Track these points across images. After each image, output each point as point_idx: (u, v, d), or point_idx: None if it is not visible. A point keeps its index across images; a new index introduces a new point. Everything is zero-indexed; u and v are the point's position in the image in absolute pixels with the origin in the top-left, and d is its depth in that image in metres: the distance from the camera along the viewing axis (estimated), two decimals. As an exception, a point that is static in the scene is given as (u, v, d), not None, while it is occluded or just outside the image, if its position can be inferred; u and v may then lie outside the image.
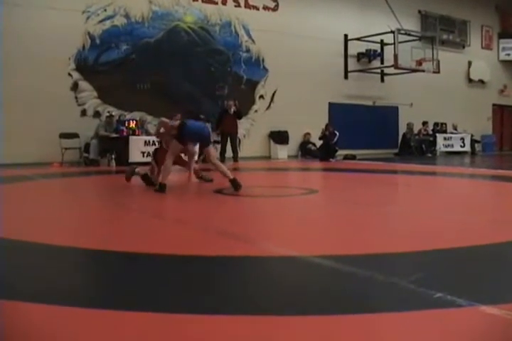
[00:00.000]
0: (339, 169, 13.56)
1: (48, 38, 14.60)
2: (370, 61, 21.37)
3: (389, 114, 21.88)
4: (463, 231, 4.81)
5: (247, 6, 18.46)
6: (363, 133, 20.51)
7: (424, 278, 3.11)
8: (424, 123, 21.56)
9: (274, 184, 10.19)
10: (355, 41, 20.61)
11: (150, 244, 4.19)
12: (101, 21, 15.76)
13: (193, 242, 4.29)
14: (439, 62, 20.29)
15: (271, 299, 2.84)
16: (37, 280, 3.24)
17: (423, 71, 20.11)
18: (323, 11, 19.93)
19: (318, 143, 18.01)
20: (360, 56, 21.23)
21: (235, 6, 18.19)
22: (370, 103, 21.41)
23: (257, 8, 18.66)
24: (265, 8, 18.84)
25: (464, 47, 25.04)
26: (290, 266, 3.60)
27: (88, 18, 15.56)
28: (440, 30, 23.43)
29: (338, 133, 17.05)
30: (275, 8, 19.02)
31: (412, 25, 22.22)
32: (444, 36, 23.69)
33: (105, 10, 15.81)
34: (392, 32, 19.22)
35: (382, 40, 21.00)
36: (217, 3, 17.81)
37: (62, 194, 6.82)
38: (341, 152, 17.76)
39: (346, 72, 20.84)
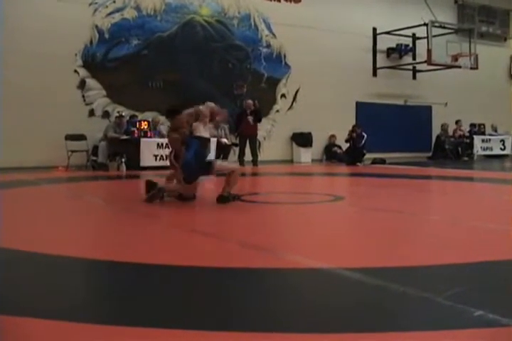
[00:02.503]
0: (367, 174, 13.52)
1: (52, 32, 14.69)
2: (400, 57, 21.30)
3: (421, 114, 21.78)
4: (504, 242, 4.76)
5: (268, -3, 18.49)
6: (393, 135, 20.42)
7: (461, 293, 3.08)
8: (457, 122, 21.29)
9: (297, 190, 10.17)
10: (384, 35, 20.54)
11: (168, 255, 4.20)
12: (110, 14, 15.85)
13: (213, 253, 4.31)
14: (477, 56, 20.14)
15: (293, 315, 2.83)
16: (50, 293, 3.26)
17: (459, 67, 19.97)
18: (350, 2, 19.89)
19: (345, 146, 17.98)
20: (390, 51, 21.18)
21: (255, -3, 18.22)
22: (401, 102, 21.34)
23: (279, 0, 18.66)
24: (287, 0, 18.85)
25: (505, 39, 24.84)
26: (315, 278, 3.59)
27: (96, 10, 15.66)
28: (479, 21, 23.27)
29: (366, 136, 17.01)
30: (298, 0, 19.01)
31: (448, 16, 22.09)
32: (483, 28, 23.47)
33: (114, 1, 15.90)
34: (426, 24, 19.10)
35: (414, 34, 20.92)
36: (235, -5, 17.86)
37: (68, 201, 6.85)
38: (369, 156, 17.67)
39: (375, 68, 20.78)
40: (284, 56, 18.63)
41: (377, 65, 20.79)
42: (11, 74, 14.09)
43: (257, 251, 4.32)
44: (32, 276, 3.66)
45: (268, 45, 18.40)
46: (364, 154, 17.18)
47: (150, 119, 15.28)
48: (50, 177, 11.42)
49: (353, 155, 17.02)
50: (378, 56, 20.87)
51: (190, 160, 7.01)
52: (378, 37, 20.67)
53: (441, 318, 2.72)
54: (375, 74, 20.76)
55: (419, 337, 2.50)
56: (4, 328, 2.66)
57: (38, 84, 14.45)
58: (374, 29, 20.60)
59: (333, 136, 19.13)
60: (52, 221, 5.87)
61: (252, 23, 18.16)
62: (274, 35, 18.47)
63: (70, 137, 14.31)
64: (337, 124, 18.86)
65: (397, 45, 21.11)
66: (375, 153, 18.25)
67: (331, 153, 19.03)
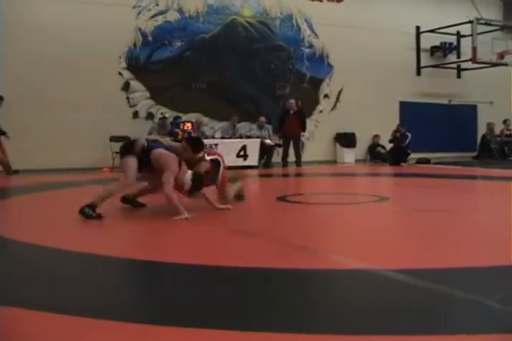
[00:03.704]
0: (412, 174, 13.41)
1: (96, 35, 14.92)
2: (445, 55, 21.07)
3: (466, 114, 21.51)
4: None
5: (310, -3, 18.45)
6: (437, 134, 20.21)
7: (511, 296, 3.04)
8: (505, 121, 20.98)
9: (342, 190, 10.14)
10: (428, 33, 20.33)
11: (213, 256, 4.24)
12: (153, 17, 16.00)
13: (256, 254, 4.34)
14: (523, 54, 19.83)
15: (337, 316, 2.84)
16: (102, 293, 3.33)
17: (506, 65, 19.66)
18: (393, 1, 19.73)
19: (389, 145, 17.85)
20: (433, 50, 20.95)
21: (297, -2, 18.21)
22: (445, 101, 21.09)
23: (321, 0, 18.62)
24: (329, -1, 18.81)
25: (551, 37, 24.42)
26: (360, 280, 3.59)
27: (139, 13, 15.82)
28: (525, 18, 22.89)
29: (410, 135, 16.88)
30: (340, 0, 18.94)
31: (493, 13, 21.71)
32: (530, 25, 23.08)
33: (157, 4, 16.05)
34: (471, 22, 18.84)
35: (458, 32, 20.66)
36: (277, -5, 17.87)
37: (115, 201, 6.94)
38: (414, 155, 17.52)
39: (419, 67, 20.59)
40: (327, 56, 18.57)
41: (421, 64, 20.58)
42: (58, 76, 14.35)
43: (302, 252, 4.34)
44: (78, 275, 3.73)
45: (310, 45, 18.36)
46: (408, 154, 17.04)
47: (193, 120, 15.39)
48: (95, 178, 11.54)
49: (397, 155, 16.89)
50: (422, 55, 20.67)
51: None
52: (422, 35, 20.46)
53: (492, 321, 2.70)
54: (418, 73, 20.57)
55: (471, 340, 2.48)
56: (51, 325, 2.71)
57: (84, 86, 14.67)
58: (417, 28, 20.39)
59: (376, 136, 19.01)
60: (97, 221, 5.94)
61: (294, 24, 18.15)
62: (316, 35, 18.43)
63: (114, 139, 14.46)
64: (380, 124, 18.73)
65: (441, 43, 20.87)
66: (420, 153, 18.07)
67: (374, 153, 18.91)
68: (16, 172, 13.06)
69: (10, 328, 2.71)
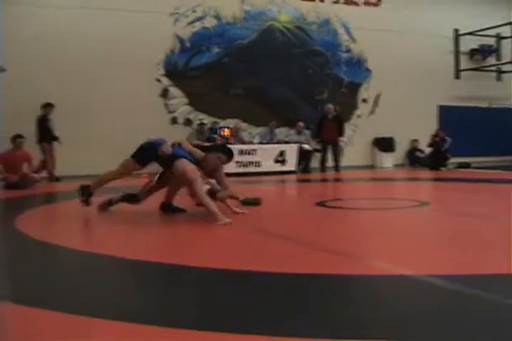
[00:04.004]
0: (452, 179, 13.31)
1: (135, 42, 15.08)
2: (484, 58, 20.85)
3: (507, 117, 21.24)
4: None
5: (347, 1, 18.42)
6: (477, 138, 19.97)
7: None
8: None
9: (380, 195, 10.09)
10: (467, 36, 20.14)
11: (251, 261, 4.26)
12: (190, 23, 16.13)
13: (295, 259, 4.34)
14: None
15: (377, 322, 2.82)
16: (145, 299, 3.37)
17: (546, 67, 19.44)
18: (430, 4, 19.56)
19: (428, 150, 17.70)
20: (473, 53, 20.75)
21: (333, 2, 18.20)
22: (485, 105, 20.85)
23: (357, 4, 18.59)
24: (366, 3, 18.75)
25: None
26: (400, 285, 3.58)
27: (176, 20, 15.95)
28: None
29: (449, 139, 16.73)
30: (377, 3, 18.89)
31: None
32: None
33: (194, 11, 16.16)
34: (511, 24, 18.67)
35: (498, 34, 20.43)
36: (314, 0, 17.87)
37: (154, 205, 7.03)
38: (453, 160, 17.36)
39: (457, 71, 20.39)
40: (365, 60, 18.51)
41: (460, 67, 20.38)
42: (96, 82, 14.54)
43: (342, 257, 4.33)
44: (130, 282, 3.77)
45: (348, 50, 18.33)
46: (448, 158, 16.89)
47: (232, 126, 15.45)
48: (134, 185, 11.58)
49: (436, 160, 16.75)
50: (461, 58, 20.45)
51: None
52: (460, 38, 20.27)
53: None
54: (457, 76, 20.37)
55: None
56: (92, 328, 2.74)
57: (123, 92, 14.82)
58: (456, 30, 20.20)
59: (415, 141, 18.87)
60: (140, 227, 5.99)
61: (332, 28, 18.13)
62: (353, 39, 18.38)
63: (153, 145, 14.53)
64: (419, 128, 18.58)
65: (481, 45, 20.66)
66: (459, 157, 17.90)
67: (413, 157, 18.77)
68: (58, 179, 13.31)
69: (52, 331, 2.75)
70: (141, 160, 6.98)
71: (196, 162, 6.63)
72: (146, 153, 6.90)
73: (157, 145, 6.71)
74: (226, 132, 14.85)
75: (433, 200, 9.12)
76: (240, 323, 2.79)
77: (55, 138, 13.44)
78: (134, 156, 7.03)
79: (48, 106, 13.50)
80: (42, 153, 13.35)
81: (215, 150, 7.05)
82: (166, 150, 6.57)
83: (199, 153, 6.80)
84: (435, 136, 17.05)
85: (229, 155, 6.98)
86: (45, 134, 13.38)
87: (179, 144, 6.77)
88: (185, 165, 6.41)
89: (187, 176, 6.26)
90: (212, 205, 6.13)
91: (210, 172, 6.88)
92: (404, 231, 5.80)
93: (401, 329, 2.69)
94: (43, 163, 13.32)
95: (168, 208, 7.06)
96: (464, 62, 20.55)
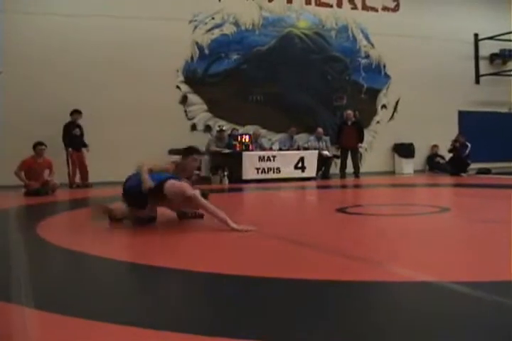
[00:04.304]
0: (472, 185, 13.23)
1: (155, 50, 15.19)
2: (504, 62, 20.72)
3: (528, 122, 21.09)
4: None
5: (365, 7, 18.40)
6: (498, 143, 19.82)
7: None
8: None
9: (401, 201, 10.02)
10: (487, 41, 20.05)
11: (272, 267, 4.22)
12: (209, 30, 16.18)
13: (317, 265, 4.30)
14: None
15: (397, 329, 2.77)
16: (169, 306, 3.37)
17: None
18: (449, 9, 19.50)
19: (448, 156, 17.62)
20: (493, 57, 20.64)
21: (352, 8, 18.19)
22: (505, 110, 20.72)
23: (376, 10, 18.56)
24: (384, 8, 18.71)
25: None
26: (421, 292, 3.52)
27: (196, 27, 16.02)
28: None
29: (470, 145, 16.63)
30: (396, 9, 18.85)
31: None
32: None
33: (213, 18, 16.22)
34: (531, 29, 18.57)
35: (518, 39, 20.34)
36: (332, 6, 17.87)
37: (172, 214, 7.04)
38: (474, 165, 17.27)
39: (477, 75, 20.29)
40: (384, 66, 18.47)
41: (480, 72, 20.29)
42: (117, 89, 14.63)
43: (363, 264, 4.29)
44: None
45: (367, 56, 18.30)
46: (468, 164, 16.79)
47: (251, 133, 15.44)
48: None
49: (456, 166, 16.65)
50: (481, 63, 20.37)
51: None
52: (480, 43, 20.19)
53: None
54: (477, 81, 20.27)
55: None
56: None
57: (142, 100, 14.91)
58: (475, 35, 20.14)
59: (435, 146, 18.80)
60: (161, 234, 5.98)
61: (350, 34, 18.12)
62: (372, 45, 18.35)
63: (173, 151, 14.58)
64: (439, 134, 18.52)
65: (501, 50, 20.54)
66: (480, 163, 17.80)
67: (433, 163, 18.70)
68: (78, 186, 13.42)
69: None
70: (136, 205, 6.58)
71: (176, 175, 6.53)
72: (137, 200, 6.50)
73: (138, 188, 6.35)
74: (246, 139, 14.83)
75: (454, 206, 9.03)
76: (260, 330, 2.76)
77: (84, 145, 13.64)
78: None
79: (74, 113, 13.71)
80: (67, 159, 13.52)
81: (186, 154, 6.92)
82: (149, 185, 6.25)
83: (169, 166, 6.73)
84: (455, 141, 16.96)
85: (197, 152, 6.99)
86: (70, 141, 13.56)
87: (150, 170, 6.47)
88: (177, 185, 6.19)
89: (186, 194, 6.06)
90: (222, 213, 6.05)
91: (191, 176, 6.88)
92: (425, 237, 5.74)
93: (422, 337, 2.64)
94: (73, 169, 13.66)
95: (184, 215, 7.00)
96: (484, 67, 20.46)
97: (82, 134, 13.72)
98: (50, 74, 14.17)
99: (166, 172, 6.60)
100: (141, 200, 6.41)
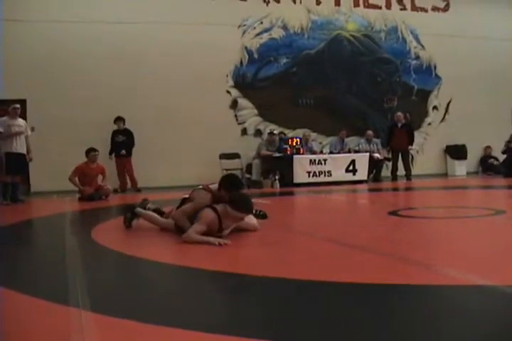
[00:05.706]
0: (528, 186, 12.97)
1: (205, 55, 15.34)
2: (560, 61, 20.28)
3: None
4: None
5: (414, 8, 18.25)
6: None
7: None
8: None
9: (454, 204, 9.91)
10: (539, 39, 19.66)
11: (325, 271, 4.24)
12: (258, 35, 16.25)
13: (371, 268, 4.31)
14: None
15: (455, 334, 2.73)
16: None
17: None
18: (500, 7, 19.18)
19: (502, 157, 17.31)
20: (547, 56, 20.22)
21: (401, 9, 18.06)
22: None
23: (425, 10, 18.37)
24: (434, 9, 18.51)
25: None
26: (479, 296, 3.48)
27: (244, 32, 16.11)
28: None
29: (524, 146, 16.33)
30: (446, 9, 18.64)
31: None
32: None
33: (261, 22, 16.29)
34: None
35: None
36: (380, 8, 17.77)
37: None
38: (528, 166, 16.91)
39: (531, 75, 19.91)
40: (435, 67, 18.28)
41: (534, 71, 19.89)
42: (167, 95, 14.78)
43: (418, 267, 4.28)
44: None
45: (417, 57, 18.13)
46: (524, 165, 16.47)
47: (301, 136, 15.39)
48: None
49: (511, 167, 16.32)
50: (534, 61, 19.98)
51: None
52: (532, 41, 19.80)
53: None
54: (531, 81, 19.89)
55: None
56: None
57: (194, 105, 15.09)
58: (530, 34, 19.77)
59: (488, 147, 18.51)
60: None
61: (400, 36, 17.98)
62: (422, 46, 18.18)
63: (224, 156, 14.71)
64: (492, 135, 18.20)
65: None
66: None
67: (487, 165, 18.40)
68: (123, 191, 13.62)
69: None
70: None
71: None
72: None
73: None
74: (296, 142, 14.77)
75: (509, 208, 8.85)
76: (316, 334, 2.76)
77: (127, 152, 13.94)
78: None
79: (117, 120, 13.93)
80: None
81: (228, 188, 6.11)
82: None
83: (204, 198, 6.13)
84: (509, 142, 16.65)
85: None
86: (113, 147, 13.95)
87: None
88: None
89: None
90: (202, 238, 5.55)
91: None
92: (481, 239, 5.67)
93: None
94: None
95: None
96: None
97: (125, 141, 13.91)
98: (104, 86, 14.42)
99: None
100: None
